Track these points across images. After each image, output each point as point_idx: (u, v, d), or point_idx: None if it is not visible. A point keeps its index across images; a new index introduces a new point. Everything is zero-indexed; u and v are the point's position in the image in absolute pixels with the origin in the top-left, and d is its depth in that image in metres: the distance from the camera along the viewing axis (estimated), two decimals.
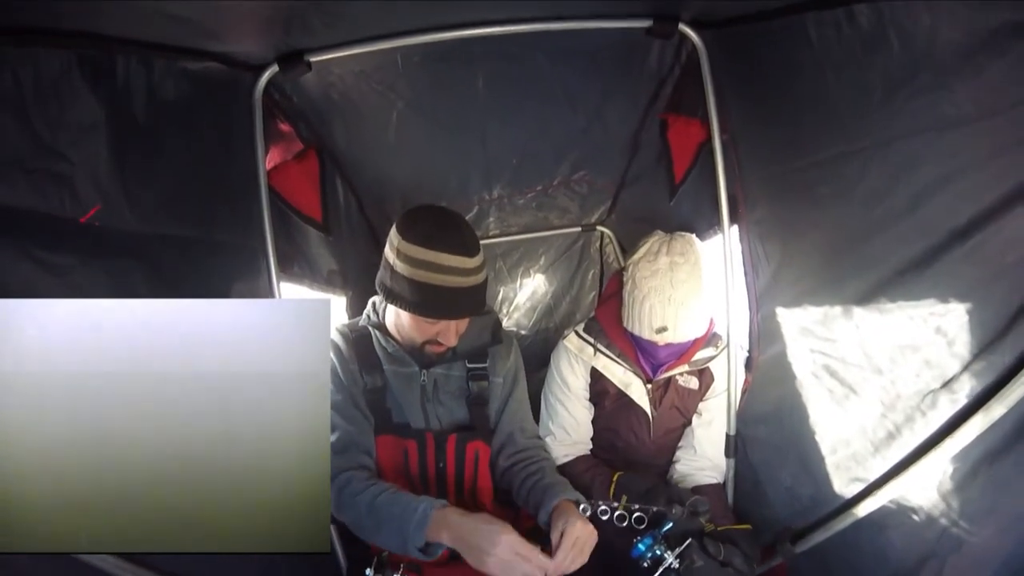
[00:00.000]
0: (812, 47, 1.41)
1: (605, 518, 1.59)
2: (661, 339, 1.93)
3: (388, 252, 1.62)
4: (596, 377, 2.16)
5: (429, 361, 1.76)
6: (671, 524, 1.65)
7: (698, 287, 1.91)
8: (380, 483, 1.67)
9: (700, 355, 2.11)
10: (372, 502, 1.60)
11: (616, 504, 1.62)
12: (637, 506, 1.61)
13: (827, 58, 1.39)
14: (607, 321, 2.15)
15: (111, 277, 1.17)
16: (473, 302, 1.61)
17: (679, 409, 2.17)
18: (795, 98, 1.56)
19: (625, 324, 2.03)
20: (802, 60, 1.46)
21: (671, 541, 1.64)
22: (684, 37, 1.80)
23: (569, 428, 2.17)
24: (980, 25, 1.05)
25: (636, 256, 2.00)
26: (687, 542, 1.62)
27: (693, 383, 2.15)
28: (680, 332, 1.92)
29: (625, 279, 2.03)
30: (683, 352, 2.08)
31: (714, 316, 2.06)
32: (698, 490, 2.10)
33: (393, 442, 1.79)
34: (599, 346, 2.13)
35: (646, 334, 1.94)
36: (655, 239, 2.01)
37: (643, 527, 1.61)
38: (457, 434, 1.80)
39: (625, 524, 1.57)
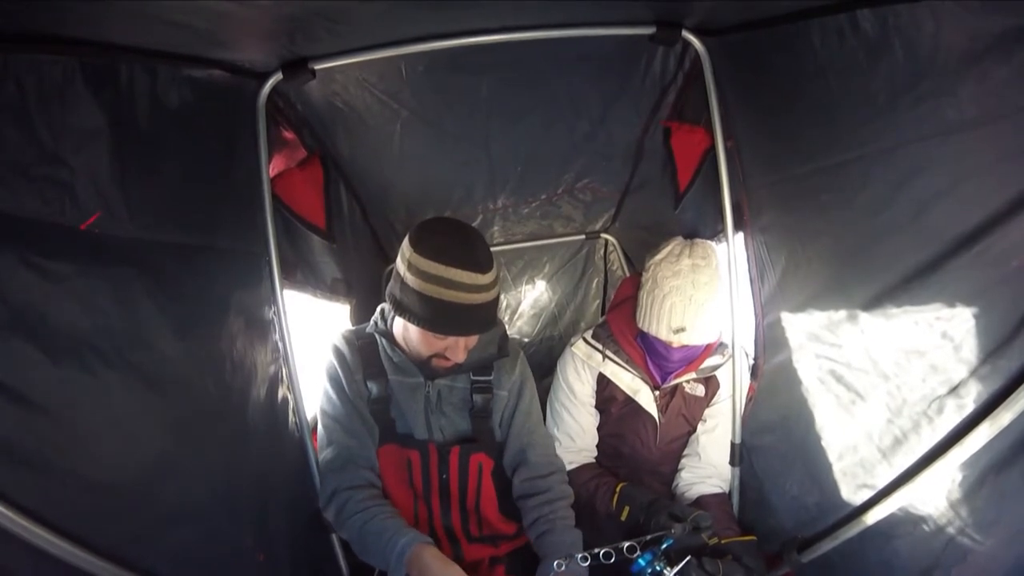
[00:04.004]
0: (815, 54, 1.40)
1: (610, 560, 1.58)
2: (677, 340, 1.94)
3: (399, 263, 1.60)
4: (603, 383, 2.16)
5: (434, 373, 1.75)
6: (671, 540, 1.63)
7: (717, 291, 1.94)
8: (373, 506, 1.69)
9: (708, 363, 2.12)
10: (362, 527, 1.64)
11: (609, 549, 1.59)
12: (626, 543, 1.58)
13: (830, 64, 1.39)
14: (618, 326, 2.15)
15: (111, 285, 1.16)
16: (484, 319, 1.60)
17: (685, 416, 2.16)
18: (798, 105, 1.56)
19: (640, 325, 2.03)
20: (805, 66, 1.45)
21: (671, 557, 1.62)
22: (687, 44, 1.79)
23: (574, 435, 2.17)
24: (984, 30, 1.05)
25: (658, 257, 2.01)
26: (686, 559, 1.61)
27: (700, 390, 2.15)
28: (697, 334, 1.93)
29: (644, 279, 2.04)
30: (694, 358, 2.08)
31: (723, 324, 2.06)
32: (703, 500, 2.09)
33: (396, 452, 1.79)
34: (607, 352, 2.14)
35: (663, 334, 1.95)
36: (676, 242, 2.03)
37: (635, 555, 1.60)
38: (460, 446, 1.80)
39: (612, 561, 1.56)
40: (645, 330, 2.02)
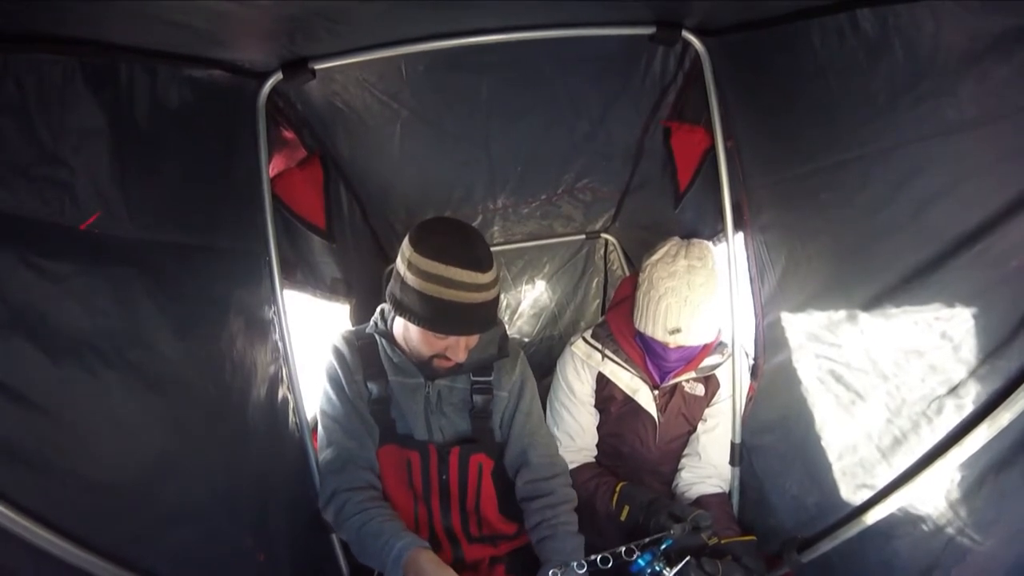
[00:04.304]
0: (815, 53, 1.40)
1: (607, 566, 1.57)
2: (673, 341, 1.94)
3: (399, 263, 1.60)
4: (603, 383, 2.16)
5: (434, 373, 1.75)
6: (671, 541, 1.63)
7: (713, 292, 1.93)
8: (372, 507, 1.69)
9: (707, 362, 2.12)
10: (360, 529, 1.65)
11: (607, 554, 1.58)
12: (623, 547, 1.58)
13: (830, 64, 1.38)
14: (617, 325, 2.15)
15: (111, 285, 1.16)
16: (484, 318, 1.60)
17: (685, 416, 2.16)
18: (798, 104, 1.56)
19: (637, 325, 2.03)
20: (805, 66, 1.45)
21: (671, 558, 1.62)
22: (687, 44, 1.79)
23: (574, 434, 2.17)
24: (984, 30, 1.05)
25: (654, 258, 2.01)
26: (685, 560, 1.61)
27: (699, 390, 2.15)
28: (693, 335, 1.93)
29: (641, 280, 2.04)
30: (692, 358, 2.08)
31: (721, 324, 2.06)
32: (703, 499, 2.09)
33: (396, 452, 1.79)
34: (607, 352, 2.14)
35: (659, 335, 1.95)
36: (673, 243, 2.03)
37: (634, 556, 1.60)
38: (460, 447, 1.80)
39: (610, 566, 1.56)
40: (641, 331, 2.02)
